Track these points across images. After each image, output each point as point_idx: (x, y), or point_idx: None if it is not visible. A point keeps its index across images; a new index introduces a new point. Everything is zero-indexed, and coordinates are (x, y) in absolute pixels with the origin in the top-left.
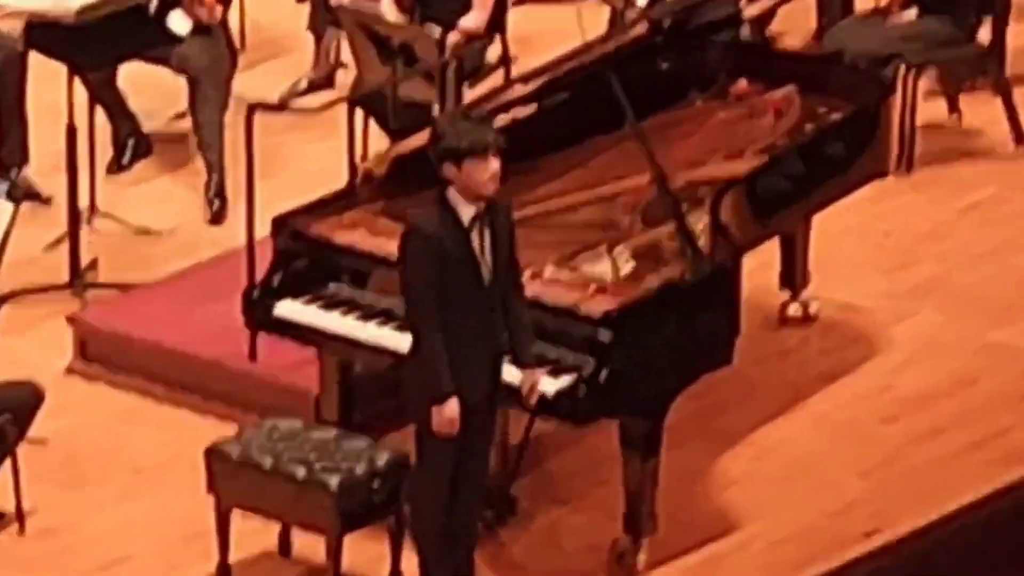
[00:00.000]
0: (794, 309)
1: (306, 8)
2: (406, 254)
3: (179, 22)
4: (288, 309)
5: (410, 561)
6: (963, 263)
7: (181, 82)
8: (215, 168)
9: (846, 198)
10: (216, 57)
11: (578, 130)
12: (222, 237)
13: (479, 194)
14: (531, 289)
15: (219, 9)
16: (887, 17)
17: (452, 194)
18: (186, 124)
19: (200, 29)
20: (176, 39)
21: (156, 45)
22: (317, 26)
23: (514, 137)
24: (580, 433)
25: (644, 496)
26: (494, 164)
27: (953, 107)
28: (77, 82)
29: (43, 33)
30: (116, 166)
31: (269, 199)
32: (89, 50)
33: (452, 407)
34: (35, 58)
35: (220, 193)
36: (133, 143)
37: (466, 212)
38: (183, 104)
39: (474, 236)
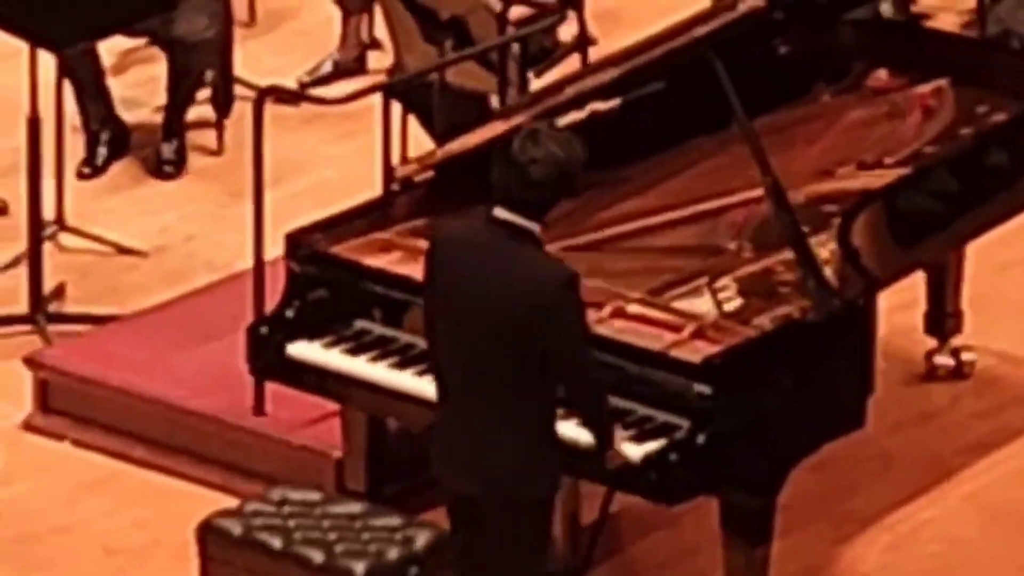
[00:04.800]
0: (943, 360)
1: None
2: None
3: None
4: (304, 351)
5: None
6: None
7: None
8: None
9: (1010, 222)
10: (209, 26)
11: (673, 131)
12: (221, 259)
13: None
14: (612, 329)
15: None
16: None
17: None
18: None
19: None
20: (168, 5)
21: (143, 15)
22: None
23: (593, 139)
24: (671, 512)
25: None
26: None
27: None
28: (42, 62)
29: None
30: (89, 167)
31: (281, 211)
32: (57, 21)
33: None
34: None
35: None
36: (108, 137)
37: None
38: None
39: None
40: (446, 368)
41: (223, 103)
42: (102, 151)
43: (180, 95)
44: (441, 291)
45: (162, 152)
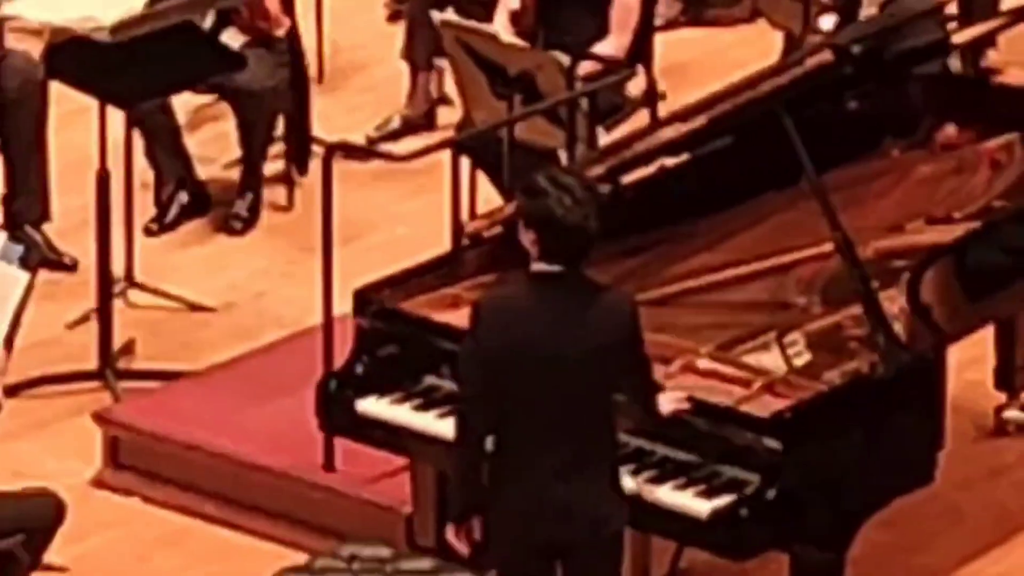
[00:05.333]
0: (1012, 415)
1: (399, 30)
2: None
3: (234, 41)
4: (373, 407)
5: None
6: None
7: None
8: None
9: None
10: (272, 74)
11: (742, 186)
12: (290, 315)
13: None
14: (681, 384)
15: (285, 21)
16: None
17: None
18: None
19: (258, 42)
20: (237, 63)
21: (211, 72)
22: (414, 53)
23: (661, 194)
24: (741, 568)
25: None
26: None
27: None
28: (110, 118)
29: (69, 57)
30: (159, 225)
31: (351, 267)
32: (126, 78)
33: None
34: (58, 89)
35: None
36: (187, 199)
37: None
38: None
39: None
40: (515, 422)
41: (298, 158)
42: (174, 210)
43: (251, 148)
44: (503, 354)
45: (235, 207)
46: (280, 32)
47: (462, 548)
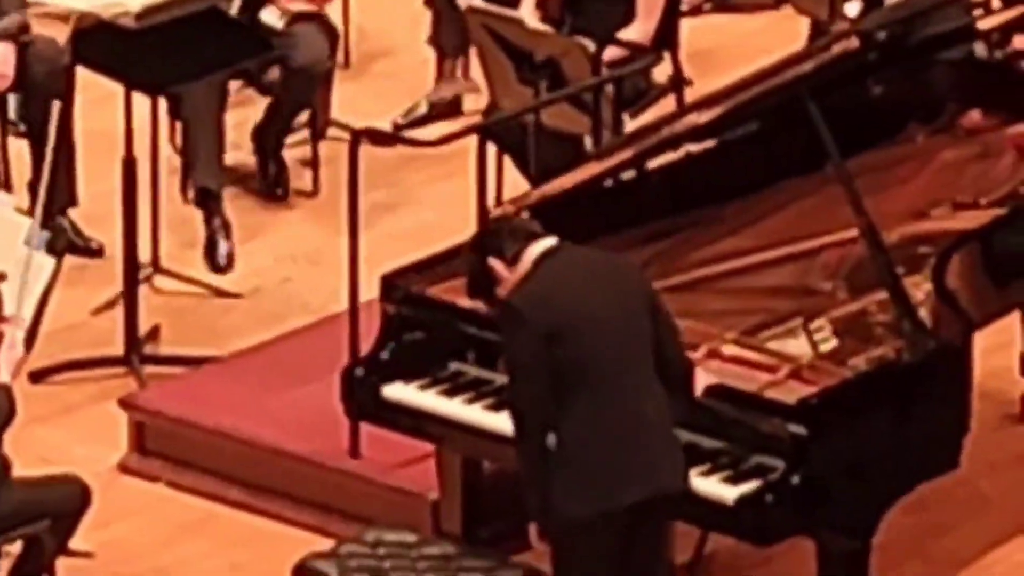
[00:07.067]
0: None
1: (426, 15)
2: None
3: (275, 20)
4: (400, 393)
5: None
6: None
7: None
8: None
9: None
10: (323, 49)
11: (767, 171)
12: (316, 301)
13: None
14: (705, 370)
15: None
16: None
17: None
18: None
19: (301, 16)
20: (265, 47)
21: (239, 57)
22: (441, 39)
23: (686, 180)
24: (766, 553)
25: None
26: None
27: None
28: (136, 105)
29: (94, 43)
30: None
31: (377, 253)
32: (152, 64)
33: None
34: (84, 75)
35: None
36: None
37: None
38: None
39: None
40: (590, 398)
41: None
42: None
43: (283, 121)
44: (559, 333)
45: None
46: (322, 8)
47: (545, 547)
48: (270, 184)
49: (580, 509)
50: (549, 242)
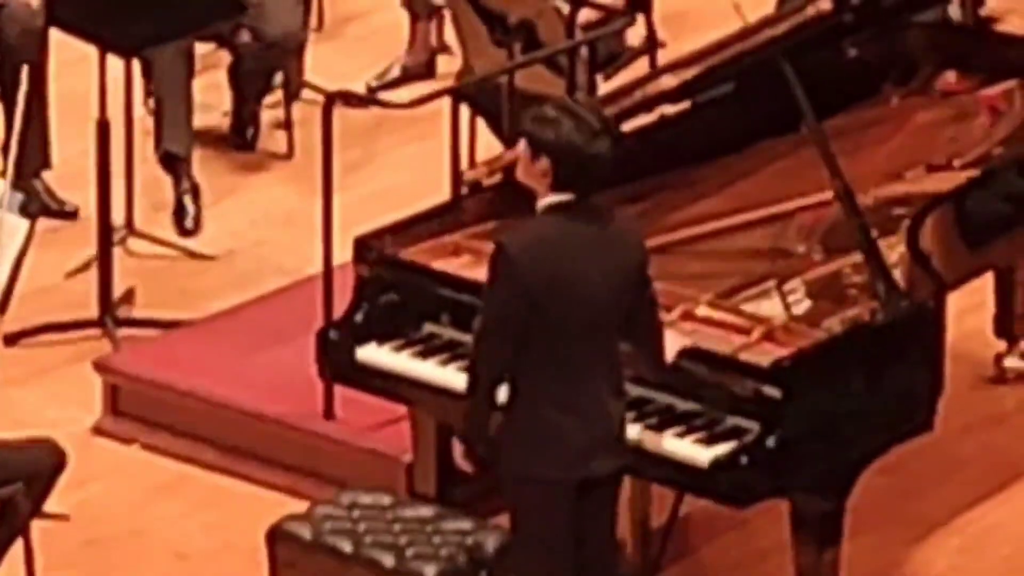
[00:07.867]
0: (1012, 363)
1: None
2: None
3: None
4: (373, 355)
5: None
6: None
7: None
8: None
9: None
10: (294, 13)
11: (742, 133)
12: (290, 263)
13: None
14: (679, 332)
15: None
16: None
17: None
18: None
19: None
20: (238, 9)
21: (212, 19)
22: (414, 1)
23: (661, 141)
24: (741, 515)
25: None
26: None
27: None
28: (110, 66)
29: (68, 4)
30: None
31: (351, 215)
32: (125, 26)
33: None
34: (58, 37)
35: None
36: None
37: None
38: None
39: None
40: (549, 356)
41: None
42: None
43: (254, 89)
44: (540, 290)
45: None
46: None
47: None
48: (243, 126)
49: (534, 471)
50: (564, 197)
